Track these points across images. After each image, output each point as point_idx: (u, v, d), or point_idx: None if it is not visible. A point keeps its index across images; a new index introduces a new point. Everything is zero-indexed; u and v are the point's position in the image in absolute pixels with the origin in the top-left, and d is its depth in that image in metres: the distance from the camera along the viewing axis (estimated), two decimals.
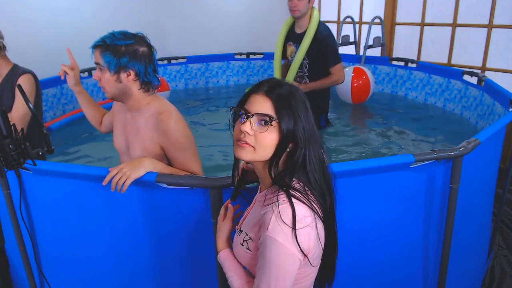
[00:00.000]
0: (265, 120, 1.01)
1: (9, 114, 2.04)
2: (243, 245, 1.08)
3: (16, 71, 2.10)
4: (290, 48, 2.93)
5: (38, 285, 1.85)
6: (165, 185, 1.43)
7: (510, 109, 2.27)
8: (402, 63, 3.94)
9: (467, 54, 4.04)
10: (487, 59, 3.84)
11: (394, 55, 4.42)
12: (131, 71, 1.46)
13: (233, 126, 1.08)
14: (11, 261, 1.79)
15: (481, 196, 1.97)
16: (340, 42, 4.21)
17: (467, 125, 3.18)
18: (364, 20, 4.82)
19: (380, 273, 1.69)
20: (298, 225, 0.94)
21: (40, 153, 1.24)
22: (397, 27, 4.55)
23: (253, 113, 1.01)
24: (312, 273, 1.05)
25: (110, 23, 3.92)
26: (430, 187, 1.60)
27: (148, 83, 1.52)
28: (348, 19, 4.31)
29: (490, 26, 3.77)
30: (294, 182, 1.01)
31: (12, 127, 1.16)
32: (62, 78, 1.76)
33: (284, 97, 1.02)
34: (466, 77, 3.25)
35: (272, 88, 1.04)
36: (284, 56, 3.03)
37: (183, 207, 1.50)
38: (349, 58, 4.24)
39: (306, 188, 1.00)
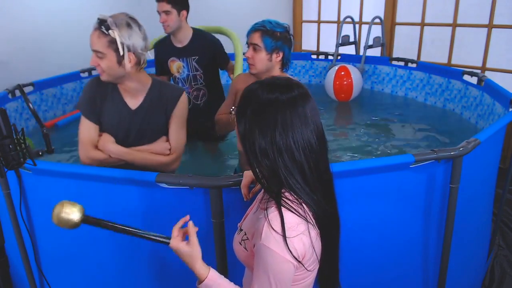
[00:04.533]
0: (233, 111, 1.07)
1: (150, 145, 1.69)
2: (241, 244, 1.08)
3: (162, 87, 1.71)
4: (176, 64, 2.68)
5: (38, 285, 1.85)
6: (165, 185, 1.43)
7: (510, 109, 2.27)
8: (402, 63, 3.94)
9: (467, 54, 4.04)
10: (487, 59, 3.84)
11: (394, 55, 4.42)
12: (281, 53, 1.76)
13: None
14: (11, 261, 1.79)
15: (481, 196, 1.97)
16: (340, 42, 4.21)
17: (467, 125, 3.18)
18: (364, 20, 4.82)
19: (380, 272, 1.69)
20: (291, 233, 0.93)
21: (40, 153, 1.24)
22: (397, 27, 4.55)
23: None
24: (308, 276, 1.05)
25: None
26: (430, 187, 1.60)
27: (287, 64, 1.84)
28: (348, 19, 4.31)
29: (490, 26, 3.77)
30: (284, 190, 1.00)
31: (12, 127, 1.16)
32: None
33: (243, 96, 1.02)
34: (466, 77, 3.25)
35: (251, 84, 1.04)
36: (163, 73, 2.75)
37: (183, 207, 1.50)
38: (349, 58, 4.24)
39: (296, 197, 0.98)
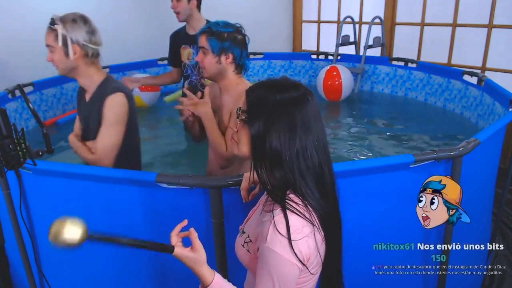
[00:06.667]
0: (240, 114, 1.02)
1: (91, 142, 1.70)
2: (244, 247, 1.07)
3: (106, 87, 1.70)
4: (187, 51, 2.80)
5: (38, 285, 1.85)
6: (165, 185, 1.43)
7: (510, 109, 2.27)
8: (402, 63, 3.94)
9: (467, 54, 4.04)
10: (487, 59, 3.84)
11: (394, 55, 4.42)
12: (230, 55, 1.68)
13: None
14: (11, 261, 1.79)
15: (481, 196, 1.97)
16: (340, 42, 4.21)
17: (467, 125, 3.18)
18: (364, 20, 4.82)
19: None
20: (297, 236, 0.93)
21: (40, 153, 1.24)
22: (397, 27, 4.55)
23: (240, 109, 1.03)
24: (311, 279, 1.04)
25: (110, 24, 3.92)
26: None
27: (241, 66, 1.74)
28: (348, 19, 4.31)
29: (490, 26, 3.77)
30: (288, 192, 0.98)
31: (12, 127, 1.16)
32: None
33: (255, 97, 1.00)
34: (466, 77, 3.25)
35: (256, 86, 1.03)
36: (175, 64, 2.89)
37: (183, 207, 1.50)
38: (349, 58, 4.24)
39: (301, 199, 0.98)
